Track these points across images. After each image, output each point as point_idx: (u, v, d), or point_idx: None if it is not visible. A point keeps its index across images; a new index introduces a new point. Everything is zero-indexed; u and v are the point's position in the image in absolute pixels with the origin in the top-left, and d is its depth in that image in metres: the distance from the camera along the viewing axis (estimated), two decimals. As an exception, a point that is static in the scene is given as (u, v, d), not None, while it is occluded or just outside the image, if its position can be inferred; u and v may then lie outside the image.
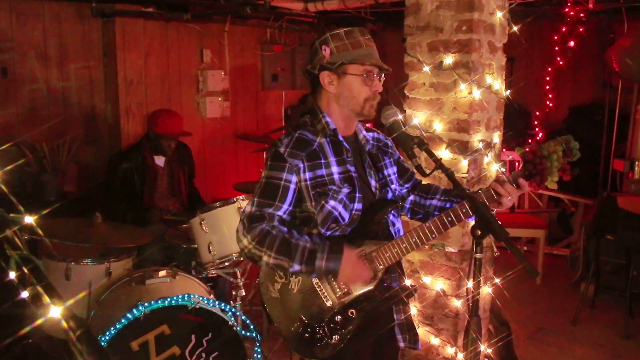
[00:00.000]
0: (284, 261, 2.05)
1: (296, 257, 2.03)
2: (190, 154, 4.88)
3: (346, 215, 2.15)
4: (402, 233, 2.27)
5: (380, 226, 2.21)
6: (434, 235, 2.12)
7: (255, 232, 2.07)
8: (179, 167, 4.68)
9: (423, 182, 2.47)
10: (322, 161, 2.15)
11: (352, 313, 2.13)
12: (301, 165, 2.12)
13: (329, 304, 2.13)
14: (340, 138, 2.20)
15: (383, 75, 2.20)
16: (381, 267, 2.13)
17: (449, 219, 2.09)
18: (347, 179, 2.17)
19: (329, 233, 2.15)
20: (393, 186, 2.34)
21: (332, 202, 2.13)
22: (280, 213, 2.13)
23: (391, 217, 2.27)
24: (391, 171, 2.36)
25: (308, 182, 2.13)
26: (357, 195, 2.17)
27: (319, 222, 2.14)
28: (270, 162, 2.15)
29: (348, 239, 2.16)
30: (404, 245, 2.13)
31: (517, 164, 5.71)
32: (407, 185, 2.42)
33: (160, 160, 4.59)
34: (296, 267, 2.05)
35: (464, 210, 2.07)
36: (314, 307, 2.14)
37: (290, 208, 2.15)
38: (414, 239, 2.12)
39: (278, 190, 2.11)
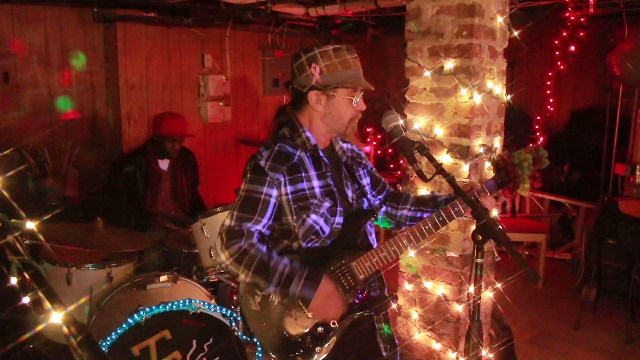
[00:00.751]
0: (261, 281, 2.05)
1: (273, 280, 2.03)
2: (194, 160, 4.89)
3: (327, 229, 2.15)
4: (376, 242, 2.29)
5: (359, 236, 2.21)
6: (411, 244, 2.16)
7: (233, 249, 2.06)
8: (183, 172, 4.69)
9: (394, 193, 2.49)
10: (303, 174, 2.15)
11: (333, 323, 2.12)
12: (282, 179, 2.11)
13: (310, 315, 2.11)
14: (321, 154, 2.21)
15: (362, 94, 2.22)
16: (361, 277, 2.14)
17: (426, 227, 2.14)
18: (328, 192, 2.17)
19: (309, 245, 2.15)
20: (368, 196, 2.36)
21: (313, 216, 2.12)
22: (259, 227, 2.12)
23: (368, 227, 2.28)
24: (365, 182, 2.38)
25: (289, 196, 2.12)
26: (339, 209, 2.17)
27: (299, 236, 2.14)
28: (250, 175, 2.14)
29: (328, 249, 2.17)
30: (383, 254, 2.14)
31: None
32: (380, 197, 2.44)
33: (164, 164, 4.59)
34: (271, 289, 2.06)
35: (440, 219, 2.13)
36: (294, 317, 2.13)
37: (270, 222, 2.14)
38: (392, 248, 2.15)
39: (258, 204, 2.10)
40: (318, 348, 2.11)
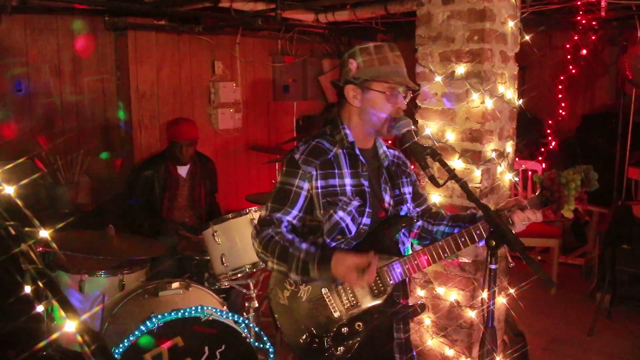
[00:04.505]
0: (284, 268, 2.07)
1: (292, 267, 2.05)
2: (213, 168, 4.88)
3: (353, 229, 2.15)
4: (410, 252, 2.26)
5: (390, 242, 2.20)
6: (445, 255, 2.12)
7: (261, 236, 2.12)
8: (201, 180, 4.69)
9: (432, 209, 2.46)
10: (336, 171, 2.15)
11: (359, 326, 2.12)
12: (314, 172, 2.12)
13: (336, 315, 2.13)
14: (357, 151, 2.20)
15: (411, 93, 2.20)
16: (391, 282, 2.13)
17: (462, 239, 2.10)
18: (359, 192, 2.16)
19: (334, 244, 2.15)
20: (408, 205, 2.33)
21: (340, 213, 2.13)
22: (289, 218, 2.15)
23: (402, 235, 2.26)
24: (407, 190, 2.35)
25: (319, 190, 2.13)
26: (367, 210, 2.16)
27: (325, 232, 2.14)
28: (285, 168, 2.18)
29: (360, 251, 2.13)
30: (416, 262, 2.13)
31: (529, 173, 5.68)
32: (418, 210, 2.41)
33: (183, 171, 4.61)
34: (294, 277, 2.07)
35: (477, 232, 2.07)
36: (321, 317, 2.14)
37: (301, 214, 2.16)
38: (425, 257, 2.12)
39: (289, 195, 2.13)
40: (342, 348, 2.12)
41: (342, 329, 2.13)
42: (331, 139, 2.21)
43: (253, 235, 2.16)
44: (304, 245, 2.08)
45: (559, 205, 2.04)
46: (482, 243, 2.09)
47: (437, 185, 2.07)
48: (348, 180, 2.16)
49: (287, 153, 2.22)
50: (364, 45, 2.17)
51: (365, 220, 2.16)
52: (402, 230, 2.25)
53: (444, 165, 2.06)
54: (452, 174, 2.04)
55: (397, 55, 2.18)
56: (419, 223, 2.41)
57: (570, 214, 2.05)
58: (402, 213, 2.29)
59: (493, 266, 1.97)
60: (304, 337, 2.17)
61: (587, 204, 2.10)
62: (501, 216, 2.07)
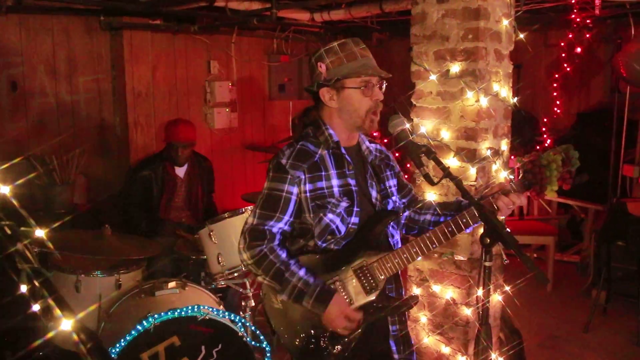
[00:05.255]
0: (276, 287, 2.11)
1: (286, 290, 2.09)
2: (210, 168, 4.88)
3: (343, 229, 2.16)
4: (400, 245, 2.27)
5: (380, 236, 2.21)
6: (434, 245, 2.13)
7: (254, 251, 2.12)
8: (198, 180, 4.69)
9: (418, 199, 2.48)
10: (323, 173, 2.16)
11: (354, 329, 2.13)
12: (302, 176, 2.13)
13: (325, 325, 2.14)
14: (343, 151, 2.21)
15: (385, 83, 2.20)
16: (382, 277, 2.14)
17: (449, 228, 2.10)
18: (347, 192, 2.17)
19: (324, 245, 2.17)
20: (394, 197, 2.35)
21: (330, 215, 2.14)
22: (281, 225, 2.16)
23: (390, 228, 2.27)
24: (392, 183, 2.37)
25: (308, 194, 2.14)
26: (355, 209, 2.18)
27: (315, 235, 2.16)
28: (272, 174, 2.18)
29: (348, 248, 2.17)
30: (405, 255, 2.14)
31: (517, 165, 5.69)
32: (404, 200, 2.43)
33: (180, 171, 4.61)
34: (284, 298, 2.12)
35: (464, 220, 2.08)
36: (316, 318, 2.14)
37: (291, 219, 2.17)
38: (414, 249, 2.13)
39: (279, 201, 2.13)
40: (338, 347, 2.13)
41: (338, 330, 2.13)
42: (315, 141, 2.21)
43: (242, 247, 2.16)
44: (301, 272, 2.10)
45: (542, 186, 2.07)
46: (469, 230, 2.11)
47: (431, 183, 2.08)
48: (335, 182, 2.17)
49: (272, 158, 2.22)
50: (328, 45, 2.17)
51: (354, 219, 2.18)
52: (391, 223, 2.26)
53: (438, 163, 2.07)
54: (446, 172, 2.05)
55: (363, 48, 2.19)
56: (406, 213, 2.42)
57: (554, 194, 2.09)
58: (389, 207, 2.31)
59: (488, 263, 1.97)
60: (300, 339, 2.18)
61: (570, 184, 2.11)
62: (486, 205, 2.07)
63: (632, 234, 4.51)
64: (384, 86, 2.21)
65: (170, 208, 4.55)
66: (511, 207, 2.10)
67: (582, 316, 4.63)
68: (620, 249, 4.66)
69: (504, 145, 3.49)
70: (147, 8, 4.47)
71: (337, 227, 2.15)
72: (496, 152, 3.37)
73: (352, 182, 2.19)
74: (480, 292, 2.02)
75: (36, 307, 1.04)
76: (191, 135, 4.57)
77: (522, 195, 2.10)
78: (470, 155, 3.27)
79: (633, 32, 5.42)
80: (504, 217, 2.14)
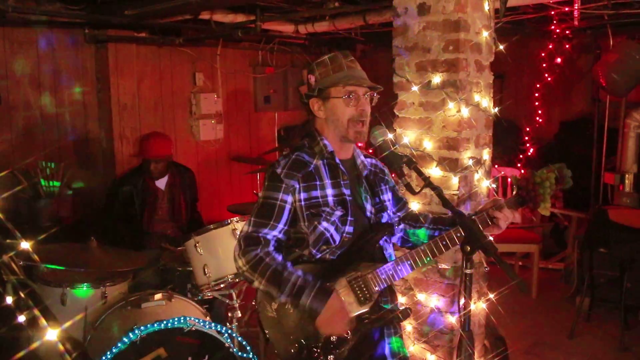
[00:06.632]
0: (273, 290, 2.11)
1: (285, 289, 2.09)
2: (193, 178, 4.86)
3: (337, 238, 2.19)
4: (394, 258, 2.30)
5: (375, 248, 2.25)
6: (428, 258, 2.17)
7: (249, 256, 2.14)
8: (181, 191, 4.68)
9: (413, 212, 2.52)
10: (318, 183, 2.20)
11: (347, 334, 2.15)
12: (297, 185, 2.17)
13: (319, 329, 2.14)
14: (337, 161, 2.25)
15: (375, 94, 2.25)
16: (377, 289, 2.17)
17: (444, 242, 2.15)
18: (341, 201, 2.21)
19: (319, 255, 2.19)
20: (388, 211, 2.38)
21: (324, 224, 2.17)
22: (275, 233, 2.18)
23: (384, 242, 2.31)
24: (387, 197, 2.40)
25: (302, 203, 2.18)
26: (349, 218, 2.21)
27: (310, 243, 2.19)
28: (267, 183, 2.22)
29: (344, 260, 2.19)
30: (399, 267, 2.17)
31: (508, 179, 5.75)
32: (399, 214, 2.47)
33: (161, 183, 4.60)
34: (283, 298, 2.11)
35: (457, 235, 2.12)
36: (310, 328, 2.15)
37: (286, 227, 2.20)
38: (408, 262, 2.17)
39: (274, 210, 2.17)
40: (331, 357, 2.14)
41: (331, 338, 2.14)
42: (310, 151, 2.26)
43: (237, 253, 2.17)
44: (299, 272, 2.12)
45: (535, 204, 2.11)
46: None
47: (412, 192, 2.12)
48: (330, 191, 2.21)
49: (268, 168, 2.26)
50: (320, 59, 2.25)
51: (349, 228, 2.21)
52: (385, 237, 2.30)
53: (419, 173, 2.11)
54: (427, 182, 2.09)
55: (351, 60, 2.25)
56: (401, 226, 2.46)
57: (547, 211, 2.13)
58: (384, 220, 2.34)
59: (468, 271, 2.01)
60: (294, 348, 2.19)
61: (562, 202, 2.17)
62: (479, 220, 2.12)
63: (614, 241, 4.56)
64: (375, 97, 2.25)
65: (153, 221, 4.54)
66: (507, 222, 2.14)
67: (566, 323, 4.67)
68: (602, 255, 4.71)
69: (486, 154, 3.54)
70: (132, 21, 4.49)
71: (331, 235, 2.18)
72: (478, 162, 3.41)
73: (346, 192, 2.23)
74: (462, 299, 2.05)
75: (22, 318, 1.05)
76: (162, 151, 4.54)
77: (516, 211, 2.16)
78: (452, 165, 3.31)
79: (611, 43, 5.51)
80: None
